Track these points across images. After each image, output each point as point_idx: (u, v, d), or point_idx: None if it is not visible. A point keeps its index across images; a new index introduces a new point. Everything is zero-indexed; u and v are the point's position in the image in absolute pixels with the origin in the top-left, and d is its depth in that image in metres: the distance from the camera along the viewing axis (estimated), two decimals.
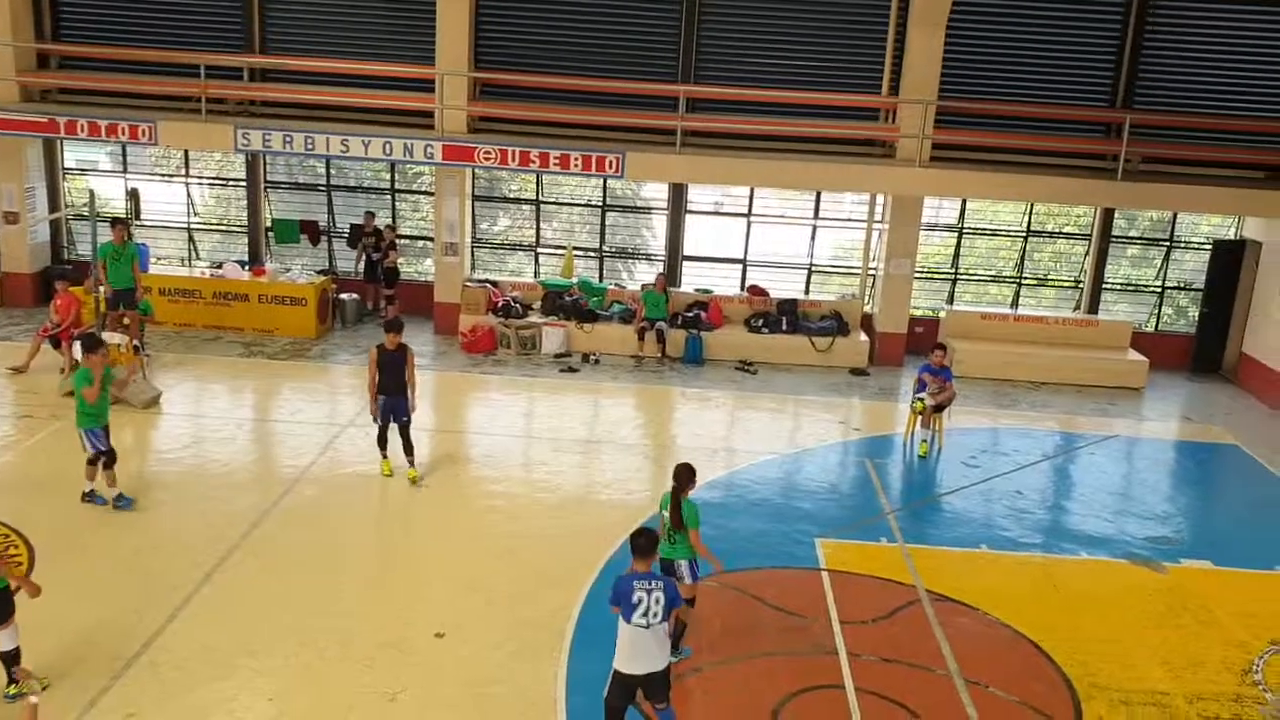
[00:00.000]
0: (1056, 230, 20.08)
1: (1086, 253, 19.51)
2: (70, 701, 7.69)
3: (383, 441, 12.18)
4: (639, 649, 7.00)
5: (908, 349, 18.41)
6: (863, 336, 18.51)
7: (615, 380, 16.85)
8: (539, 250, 19.78)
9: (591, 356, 17.76)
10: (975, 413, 15.87)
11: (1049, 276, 19.97)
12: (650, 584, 7.03)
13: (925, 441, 14.03)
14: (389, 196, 19.67)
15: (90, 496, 10.94)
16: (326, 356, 17.15)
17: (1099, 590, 10.56)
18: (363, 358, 17.14)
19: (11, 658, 7.76)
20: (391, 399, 11.90)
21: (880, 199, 18.54)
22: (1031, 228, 19.54)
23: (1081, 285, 19.55)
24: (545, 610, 9.41)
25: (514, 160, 16.96)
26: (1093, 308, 19.35)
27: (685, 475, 8.67)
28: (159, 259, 19.34)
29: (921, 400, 13.88)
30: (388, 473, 12.19)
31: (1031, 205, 19.24)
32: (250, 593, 9.49)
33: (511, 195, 20.27)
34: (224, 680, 8.15)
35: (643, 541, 7.20)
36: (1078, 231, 19.80)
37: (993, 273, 19.97)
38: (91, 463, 10.89)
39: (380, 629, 9.01)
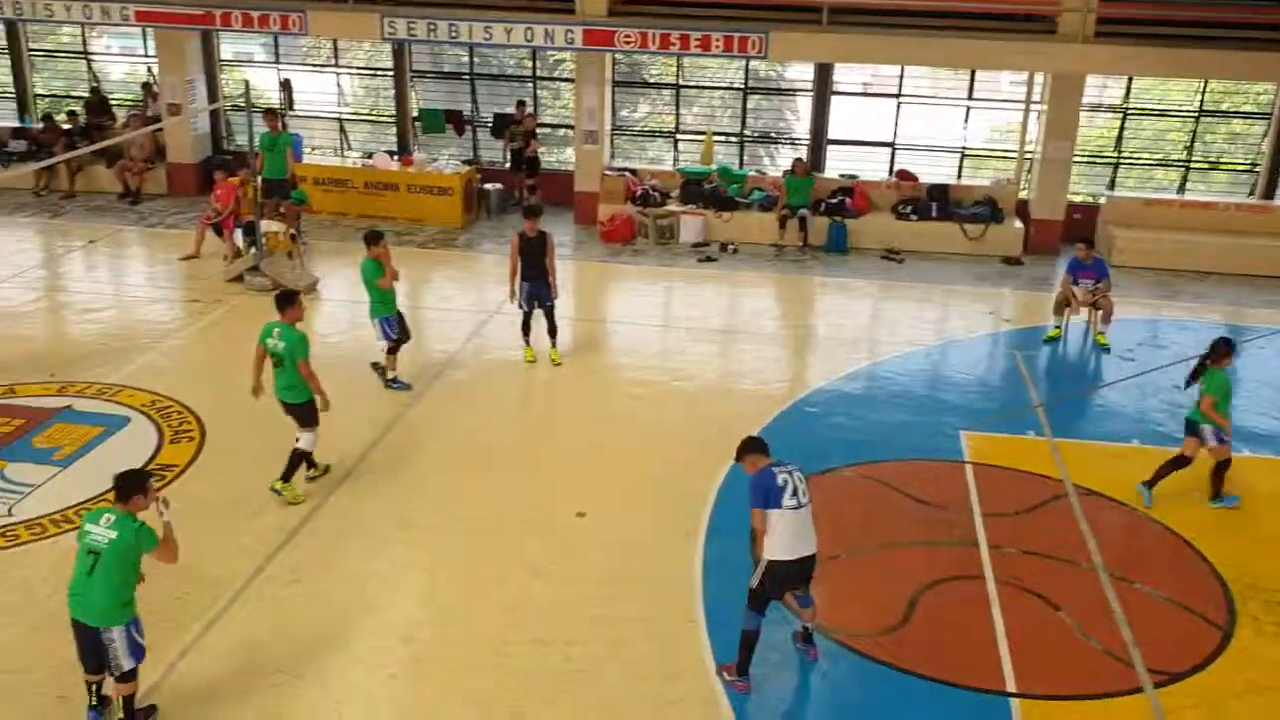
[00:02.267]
0: (1233, 110, 18.73)
1: (1265, 134, 18.16)
2: (239, 569, 8.24)
3: (526, 329, 12.42)
4: (797, 531, 6.92)
5: (1065, 237, 17.63)
6: (1017, 224, 17.80)
7: (755, 270, 16.70)
8: (678, 137, 19.54)
9: (730, 245, 17.60)
10: (1134, 303, 15.15)
11: (1221, 160, 18.73)
12: (786, 467, 7.01)
13: (1058, 327, 13.62)
14: (530, 84, 19.67)
15: (394, 382, 11.62)
16: (472, 246, 17.48)
17: (1260, 488, 10.10)
18: (508, 247, 17.42)
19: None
20: (534, 285, 12.08)
21: (1039, 78, 17.57)
22: (1204, 107, 18.27)
23: (1258, 169, 18.27)
24: (683, 495, 9.56)
25: (654, 43, 16.69)
26: (1269, 193, 18.10)
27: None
28: (312, 149, 19.88)
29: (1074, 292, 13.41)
30: (530, 359, 12.45)
31: (1205, 83, 17.95)
32: (403, 471, 9.92)
33: (652, 80, 20.01)
34: (380, 551, 8.61)
35: (753, 443, 7.21)
36: (1256, 110, 18.43)
37: (1159, 156, 18.84)
38: (391, 351, 11.55)
39: (525, 507, 9.33)
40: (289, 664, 7.24)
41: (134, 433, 10.37)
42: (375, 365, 11.83)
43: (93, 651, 6.32)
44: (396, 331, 11.48)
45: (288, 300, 9.23)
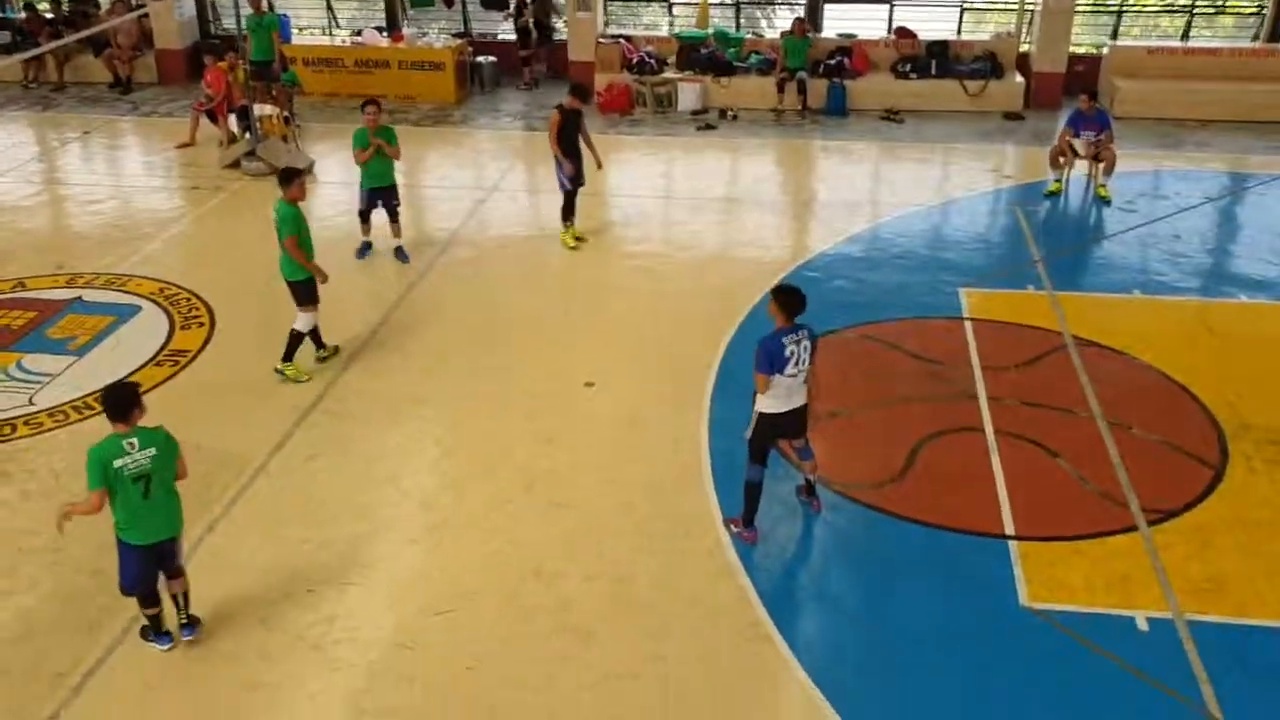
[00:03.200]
0: None
1: None
2: (258, 449, 8.48)
3: (571, 209, 12.27)
4: (791, 390, 7.14)
5: (1067, 90, 17.39)
6: (1018, 78, 17.57)
7: (754, 136, 16.58)
8: (673, 1, 19.13)
9: (729, 112, 17.42)
10: (1136, 155, 15.05)
11: (1227, 4, 18.31)
12: (798, 335, 7.11)
13: (1059, 181, 13.59)
14: None
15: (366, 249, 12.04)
16: (467, 121, 17.33)
17: (1256, 333, 10.25)
18: (504, 122, 17.30)
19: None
20: (576, 163, 11.97)
21: None
22: None
23: (1264, 12, 17.89)
24: (687, 361, 9.74)
25: None
26: (1274, 36, 17.76)
27: None
28: (300, 29, 19.54)
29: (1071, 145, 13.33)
30: (573, 242, 12.33)
31: None
32: (412, 348, 10.09)
33: None
34: (393, 427, 8.83)
35: (793, 299, 7.16)
36: None
37: (1164, 3, 18.42)
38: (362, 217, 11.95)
39: (534, 379, 9.52)
40: (313, 534, 7.53)
41: (145, 321, 10.51)
42: (397, 250, 11.98)
43: (163, 564, 6.31)
44: (364, 203, 11.84)
45: (287, 178, 9.21)
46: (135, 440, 6.02)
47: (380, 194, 11.70)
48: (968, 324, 10.40)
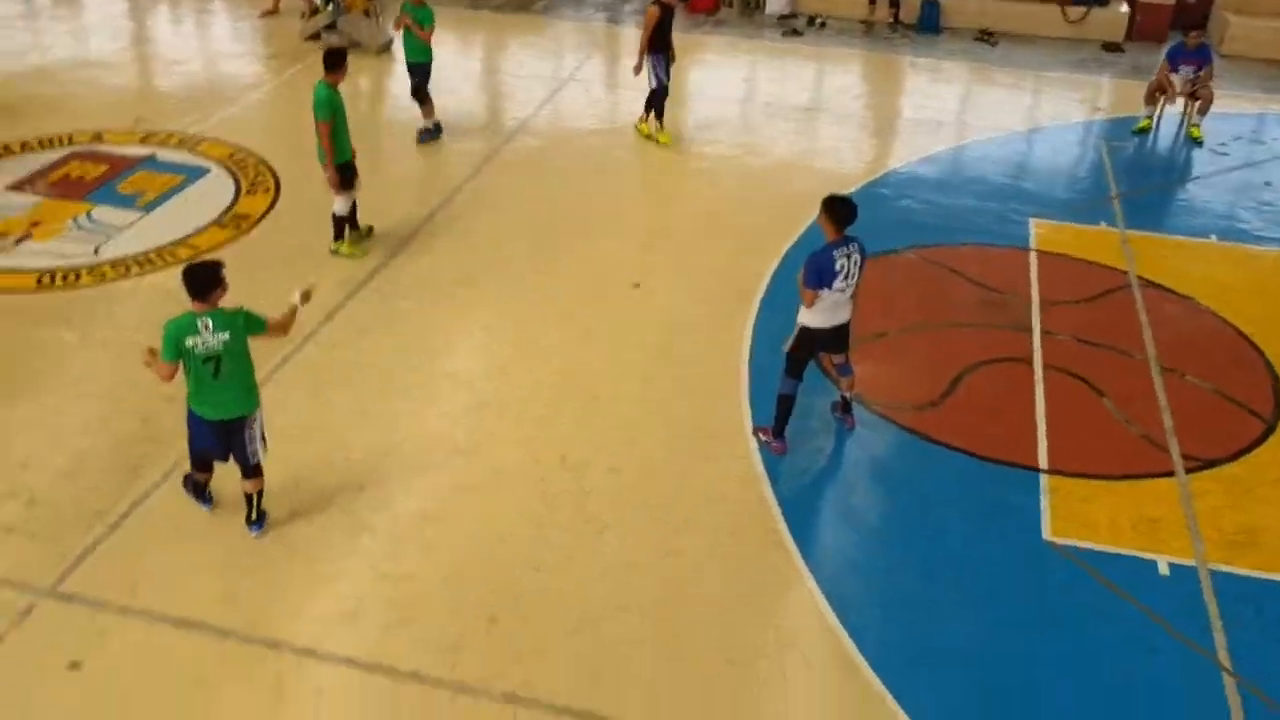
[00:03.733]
0: None
1: None
2: (309, 317, 8.64)
3: (663, 106, 12.08)
4: (836, 305, 7.07)
5: (1173, 23, 16.57)
6: (1123, 7, 16.78)
7: (842, 46, 16.14)
8: None
9: (818, 19, 16.95)
10: (1237, 97, 14.36)
11: None
12: (849, 249, 6.99)
13: (1149, 118, 13.06)
14: None
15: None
16: (550, 10, 17.11)
17: None
18: (587, 13, 17.05)
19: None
20: (666, 60, 11.77)
21: None
22: None
23: None
24: (741, 268, 9.66)
25: None
26: None
27: None
28: None
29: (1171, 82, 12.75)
30: (666, 140, 12.16)
31: None
32: (466, 235, 10.15)
33: None
34: (441, 309, 8.94)
35: (844, 210, 7.04)
36: None
37: None
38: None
39: (584, 275, 9.53)
40: (354, 403, 7.71)
41: (212, 183, 10.71)
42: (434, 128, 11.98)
43: (233, 448, 6.27)
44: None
45: (332, 60, 9.03)
46: (210, 321, 5.95)
47: (410, 69, 11.68)
48: (1033, 255, 10.14)
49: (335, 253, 9.49)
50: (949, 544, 6.75)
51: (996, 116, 13.79)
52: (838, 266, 6.93)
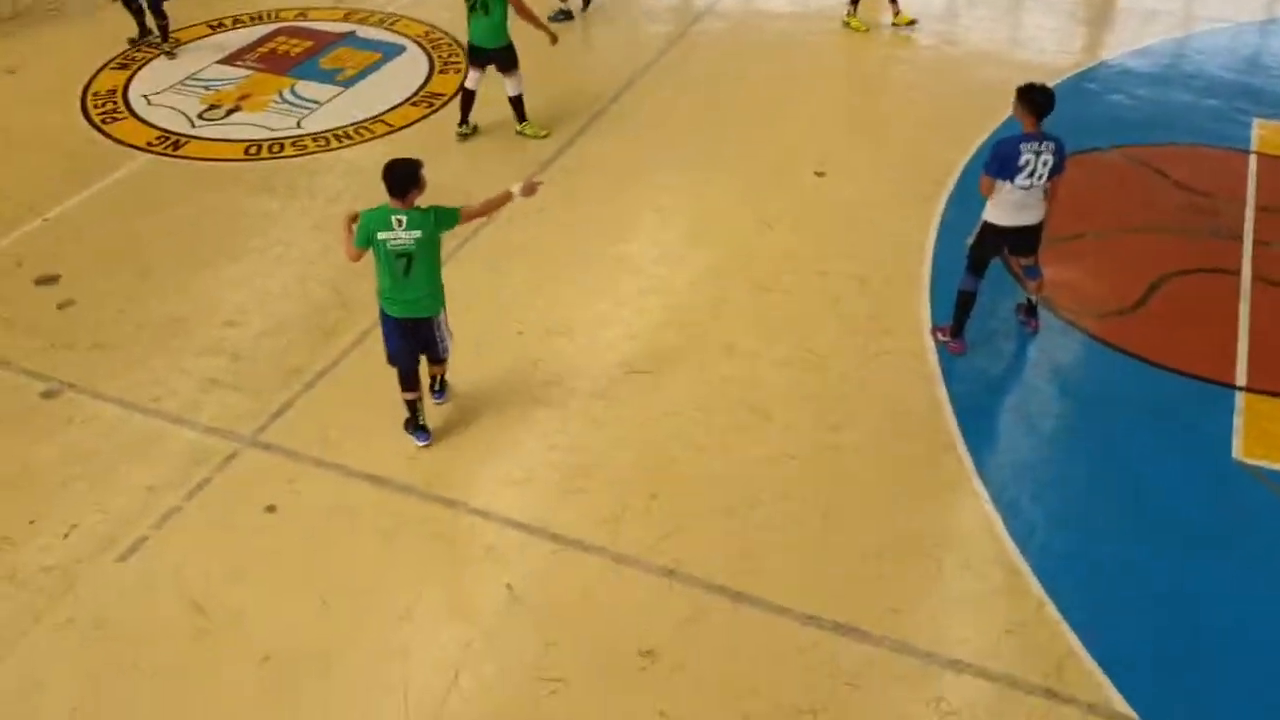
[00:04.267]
0: None
1: None
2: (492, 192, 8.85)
3: None
4: (1022, 204, 6.76)
5: None
6: None
7: None
8: None
9: None
10: None
11: None
12: (1040, 145, 6.63)
13: None
14: None
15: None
16: None
17: None
18: None
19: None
20: None
21: None
22: None
23: None
24: (930, 160, 9.31)
25: None
26: None
27: None
28: None
29: None
30: (860, 26, 11.72)
31: None
32: (650, 116, 10.12)
33: None
34: (620, 191, 9.00)
35: (1040, 99, 6.69)
36: None
37: None
38: None
39: (766, 161, 9.39)
40: (529, 279, 7.92)
41: (408, 60, 11.00)
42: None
43: (422, 344, 6.36)
44: None
45: None
46: (404, 219, 5.97)
47: None
48: (1252, 158, 9.37)
49: (520, 133, 9.63)
50: (1129, 457, 6.48)
51: (1227, 5, 12.65)
52: (1023, 161, 6.59)
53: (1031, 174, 6.64)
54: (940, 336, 7.33)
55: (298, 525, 6.03)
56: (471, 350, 7.18)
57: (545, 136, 9.63)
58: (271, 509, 6.12)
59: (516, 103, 9.57)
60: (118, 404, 6.85)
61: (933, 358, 7.22)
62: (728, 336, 7.41)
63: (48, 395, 6.93)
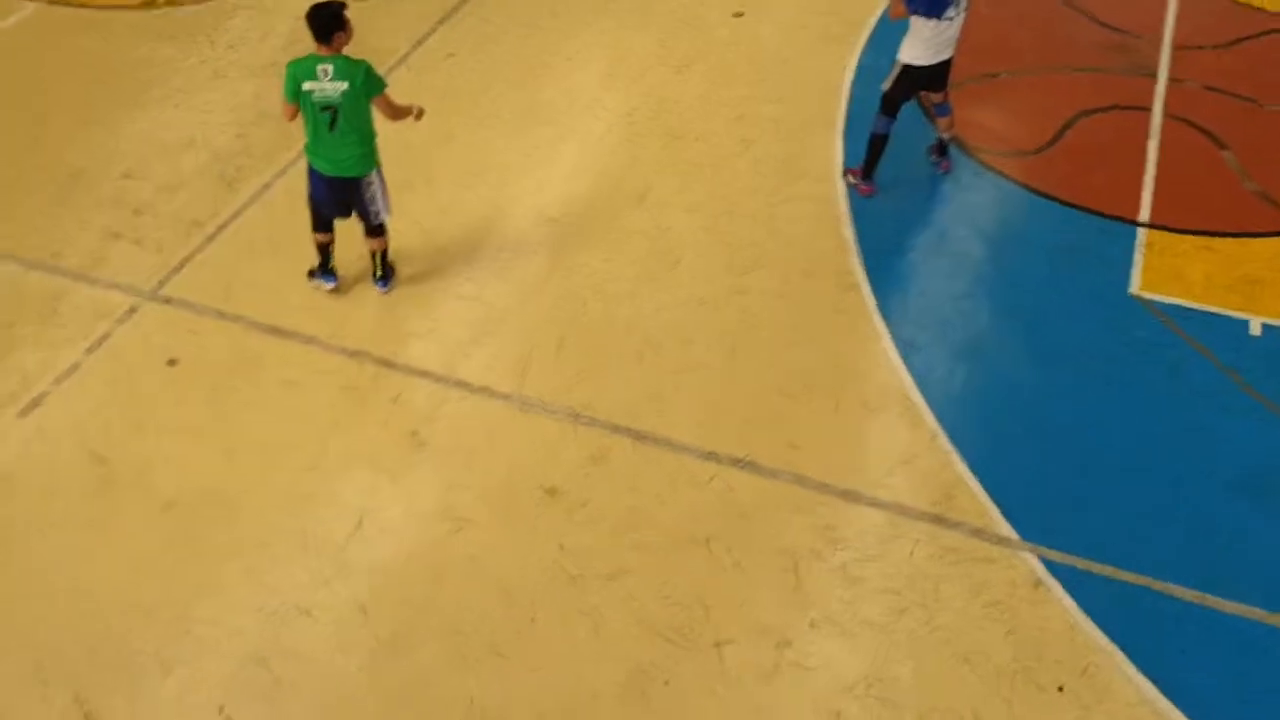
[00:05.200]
0: None
1: None
2: (401, 42, 8.61)
3: None
4: (943, 40, 6.67)
5: None
6: None
7: None
8: None
9: None
10: None
11: None
12: None
13: None
14: None
15: None
16: None
17: None
18: None
19: None
20: None
21: None
22: None
23: None
24: (850, 2, 9.14)
25: None
26: None
27: None
28: None
29: None
30: None
31: None
32: None
33: None
34: (530, 39, 8.77)
35: None
36: None
37: None
38: None
39: (683, 5, 9.15)
40: (443, 129, 7.72)
41: None
42: None
43: (350, 205, 6.16)
44: None
45: None
46: (330, 67, 5.71)
47: None
48: None
49: None
50: (1029, 291, 6.59)
51: None
52: None
53: (958, 5, 6.53)
54: (851, 179, 7.32)
55: (200, 378, 6.00)
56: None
57: None
58: (173, 362, 6.08)
59: None
60: (15, 260, 6.71)
61: (844, 201, 7.22)
62: (640, 184, 7.35)
63: None
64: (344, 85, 5.77)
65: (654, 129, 7.82)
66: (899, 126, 7.13)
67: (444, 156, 7.53)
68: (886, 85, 6.99)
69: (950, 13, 6.55)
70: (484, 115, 7.91)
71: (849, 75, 8.32)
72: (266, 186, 7.15)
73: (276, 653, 4.80)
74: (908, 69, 6.85)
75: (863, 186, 7.26)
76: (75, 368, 6.04)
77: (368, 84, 5.86)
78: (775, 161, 7.54)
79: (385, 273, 6.52)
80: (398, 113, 6.16)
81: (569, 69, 8.46)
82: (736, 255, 6.82)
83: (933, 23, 6.59)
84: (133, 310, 6.38)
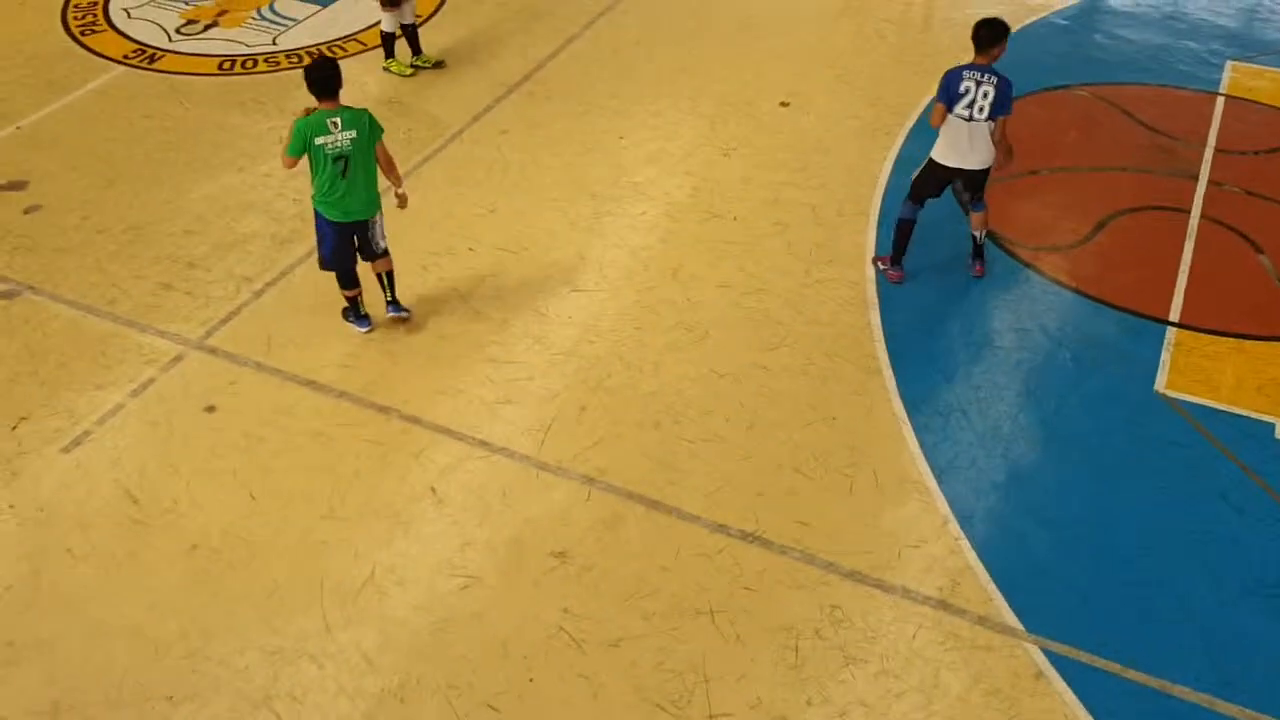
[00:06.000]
0: None
1: None
2: (458, 116, 8.97)
3: None
4: (965, 140, 6.83)
5: None
6: None
7: None
8: None
9: None
10: None
11: None
12: (982, 76, 6.70)
13: None
14: None
15: None
16: None
17: None
18: None
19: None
20: None
21: None
22: None
23: None
24: (895, 95, 9.35)
25: None
26: None
27: None
28: None
29: None
30: None
31: None
32: (622, 43, 10.13)
33: None
34: (583, 114, 9.07)
35: (982, 31, 6.75)
36: None
37: None
38: None
39: (732, 90, 9.42)
40: (487, 200, 8.03)
41: None
42: None
43: (358, 244, 6.56)
44: None
45: None
46: (339, 120, 6.18)
47: None
48: (1219, 100, 9.35)
49: (386, 70, 9.50)
50: (1052, 385, 6.61)
51: None
52: (963, 88, 6.70)
53: (970, 104, 6.70)
54: (880, 265, 7.43)
55: (234, 425, 6.23)
56: (420, 263, 7.36)
57: (409, 75, 9.48)
58: (211, 409, 6.32)
59: (385, 39, 9.43)
60: (74, 306, 7.05)
61: (872, 286, 7.34)
62: (675, 260, 7.53)
63: (6, 296, 7.13)
64: (353, 134, 6.25)
65: (694, 207, 8.03)
66: (934, 216, 7.27)
67: (487, 225, 7.79)
68: (915, 174, 7.19)
69: (961, 110, 6.73)
70: (530, 190, 8.18)
71: (887, 167, 8.48)
72: (314, 250, 7.40)
73: (281, 695, 4.92)
74: (931, 161, 7.04)
75: (891, 273, 7.37)
76: (119, 409, 6.31)
77: (373, 129, 6.36)
78: (808, 245, 7.68)
79: (393, 293, 6.86)
80: (390, 163, 6.57)
81: (619, 147, 8.72)
82: (763, 332, 6.94)
83: (958, 122, 6.77)
84: (179, 358, 6.66)
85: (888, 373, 6.65)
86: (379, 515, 5.74)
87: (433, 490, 5.86)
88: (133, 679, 4.97)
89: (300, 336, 6.81)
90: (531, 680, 5.00)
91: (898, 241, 7.26)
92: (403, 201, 6.72)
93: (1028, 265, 7.53)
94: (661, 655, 5.10)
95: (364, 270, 6.79)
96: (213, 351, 6.72)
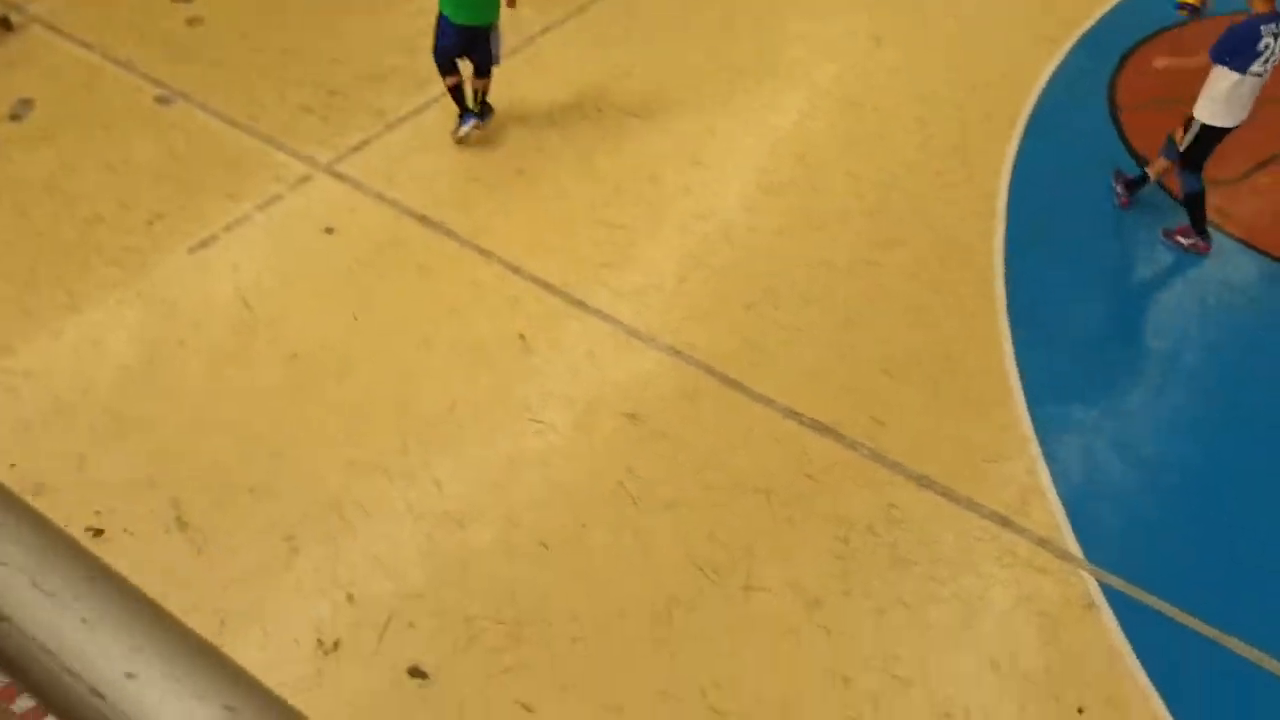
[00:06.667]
0: None
1: None
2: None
3: None
4: (1244, 100, 6.14)
5: None
6: None
7: None
8: None
9: None
10: None
11: None
12: (1279, 27, 6.02)
13: None
14: None
15: None
16: None
17: None
18: None
19: None
20: None
21: None
22: None
23: None
24: (1069, 3, 8.80)
25: None
26: None
27: None
28: None
29: None
30: None
31: None
32: None
33: None
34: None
35: None
36: None
37: None
38: None
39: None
40: (624, 62, 7.97)
41: None
42: None
43: (473, 50, 6.88)
44: None
45: None
46: None
47: None
48: None
49: None
50: (1174, 326, 6.32)
51: None
52: (1262, 44, 5.98)
53: (1267, 60, 6.07)
54: (1184, 240, 6.74)
55: (349, 249, 6.48)
56: (548, 119, 7.40)
57: None
58: (329, 230, 6.58)
59: None
60: (219, 117, 7.37)
61: (1002, 199, 7.06)
62: (804, 144, 7.39)
63: (161, 100, 7.50)
64: None
65: (834, 93, 7.84)
66: (1094, 155, 6.86)
67: (620, 88, 7.76)
68: (1183, 146, 6.43)
69: (1257, 68, 6.06)
70: (672, 56, 8.09)
71: (1044, 77, 8.05)
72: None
73: (350, 503, 5.21)
74: (1208, 129, 6.29)
75: (1201, 244, 6.70)
76: (245, 219, 6.63)
77: None
78: (946, 146, 7.42)
79: (484, 109, 7.15)
80: None
81: (769, 24, 8.49)
82: (881, 228, 6.79)
83: (1251, 80, 6.09)
84: (306, 179, 6.93)
85: (1000, 288, 6.44)
86: (468, 352, 5.93)
87: (522, 337, 6.01)
88: (221, 468, 5.32)
89: (422, 174, 6.98)
90: (584, 526, 5.16)
91: (1196, 213, 6.62)
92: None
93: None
94: (713, 525, 5.19)
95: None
96: (339, 177, 6.96)
